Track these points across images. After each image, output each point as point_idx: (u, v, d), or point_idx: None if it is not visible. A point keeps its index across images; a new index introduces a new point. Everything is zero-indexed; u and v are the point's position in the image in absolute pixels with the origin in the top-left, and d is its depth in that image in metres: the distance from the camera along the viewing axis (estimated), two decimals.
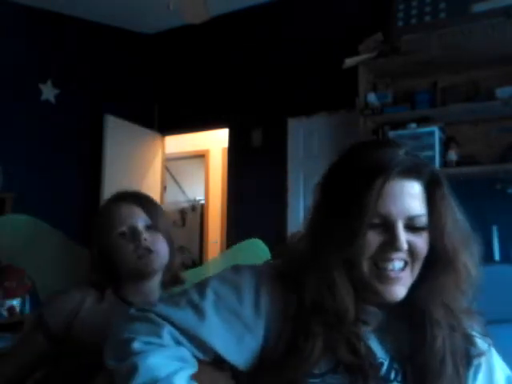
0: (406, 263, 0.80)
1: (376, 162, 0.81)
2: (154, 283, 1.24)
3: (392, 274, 0.79)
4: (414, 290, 0.82)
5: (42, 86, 3.78)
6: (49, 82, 3.82)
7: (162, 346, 0.77)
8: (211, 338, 0.78)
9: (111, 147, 4.03)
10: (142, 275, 1.21)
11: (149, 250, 1.19)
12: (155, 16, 4.06)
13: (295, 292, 0.82)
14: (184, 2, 2.73)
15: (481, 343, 0.86)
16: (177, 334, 0.79)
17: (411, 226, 0.80)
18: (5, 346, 3.12)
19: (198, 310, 0.80)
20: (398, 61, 3.03)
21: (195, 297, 0.82)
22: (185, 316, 0.79)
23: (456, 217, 0.83)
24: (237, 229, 3.98)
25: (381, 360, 0.81)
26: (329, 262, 0.80)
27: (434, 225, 0.81)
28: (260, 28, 4.05)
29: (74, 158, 3.97)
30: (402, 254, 0.79)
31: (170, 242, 1.26)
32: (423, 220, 0.80)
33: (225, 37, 4.21)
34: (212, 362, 0.82)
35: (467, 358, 0.84)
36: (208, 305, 0.80)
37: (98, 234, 1.25)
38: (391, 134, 2.93)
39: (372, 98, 3.07)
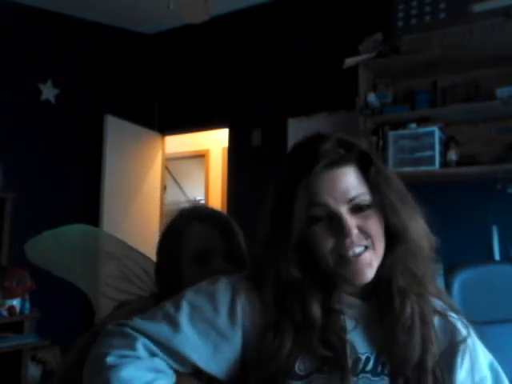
0: (366, 247, 0.81)
1: (300, 161, 0.83)
2: None
3: (355, 259, 0.80)
4: (380, 268, 0.83)
5: (41, 86, 3.78)
6: (49, 82, 3.82)
7: (136, 358, 0.77)
8: (187, 349, 0.79)
9: (111, 147, 4.03)
10: None
11: None
12: (155, 16, 4.06)
13: (271, 305, 0.82)
14: (184, 2, 2.73)
15: (462, 327, 0.86)
16: (152, 346, 0.78)
17: (356, 208, 0.81)
18: (5, 346, 3.13)
19: (173, 323, 0.80)
20: (398, 61, 3.02)
21: (170, 309, 0.82)
22: (160, 329, 0.79)
23: (398, 189, 0.84)
24: None
25: (367, 355, 0.82)
26: (286, 267, 0.82)
27: (379, 201, 0.82)
28: (260, 28, 4.05)
29: (74, 158, 3.97)
30: (358, 239, 0.80)
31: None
32: (365, 198, 0.81)
33: (225, 37, 4.21)
34: (192, 373, 0.82)
35: (452, 346, 0.84)
36: (183, 316, 0.80)
37: (168, 253, 1.14)
38: (391, 134, 2.93)
39: (372, 98, 3.07)
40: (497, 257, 2.84)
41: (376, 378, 0.81)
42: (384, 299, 0.83)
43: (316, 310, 0.81)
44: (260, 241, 0.88)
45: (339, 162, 0.82)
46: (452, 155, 2.86)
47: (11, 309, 3.18)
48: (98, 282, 1.33)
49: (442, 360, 0.83)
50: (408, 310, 0.81)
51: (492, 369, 0.88)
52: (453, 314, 0.87)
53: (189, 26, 3.73)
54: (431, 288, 0.87)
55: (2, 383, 3.22)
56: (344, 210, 0.80)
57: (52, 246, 1.39)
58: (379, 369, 0.81)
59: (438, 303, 0.88)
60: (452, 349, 0.84)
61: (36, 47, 3.78)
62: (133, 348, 0.77)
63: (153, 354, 0.79)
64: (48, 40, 3.87)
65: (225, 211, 4.28)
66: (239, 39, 4.15)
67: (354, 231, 0.79)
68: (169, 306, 0.83)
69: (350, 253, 0.80)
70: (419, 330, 0.81)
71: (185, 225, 1.14)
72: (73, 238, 1.39)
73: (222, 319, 0.81)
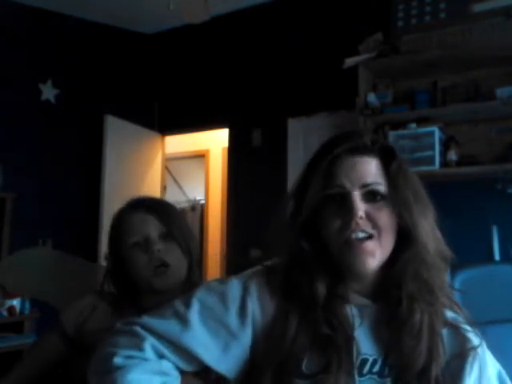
0: (370, 236, 0.81)
1: (327, 145, 0.86)
2: (175, 295, 1.19)
3: (358, 244, 0.80)
4: (390, 269, 0.83)
5: (41, 86, 3.78)
6: (49, 82, 3.82)
7: (143, 359, 0.77)
8: (196, 347, 0.79)
9: (111, 147, 4.03)
10: (158, 292, 1.14)
11: (164, 265, 1.12)
12: (155, 16, 4.06)
13: (281, 289, 0.84)
14: (184, 2, 2.73)
15: (473, 337, 0.85)
16: (160, 346, 0.78)
17: (369, 196, 0.82)
18: (5, 346, 3.13)
19: (183, 320, 0.80)
20: (398, 61, 3.02)
21: (181, 307, 0.82)
22: (170, 326, 0.80)
23: (415, 188, 0.85)
24: (237, 229, 3.98)
25: (374, 356, 0.81)
26: (296, 240, 0.84)
27: (395, 198, 0.82)
28: (260, 28, 4.05)
29: (74, 158, 3.97)
30: (364, 225, 0.80)
31: (189, 252, 1.18)
32: (380, 189, 0.82)
33: (225, 37, 4.21)
34: (195, 373, 0.82)
35: (461, 353, 0.84)
36: (193, 314, 0.81)
37: (111, 244, 1.20)
38: (391, 134, 2.93)
39: (372, 98, 3.07)
40: (497, 257, 2.84)
41: (382, 380, 0.81)
42: (392, 302, 0.83)
43: (322, 288, 0.82)
44: (276, 222, 0.89)
45: (363, 150, 0.84)
46: (452, 155, 2.86)
47: (11, 309, 3.19)
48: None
49: (450, 368, 0.82)
50: (417, 316, 0.81)
51: (500, 378, 0.87)
52: (466, 326, 0.86)
53: (189, 25, 3.73)
54: (443, 298, 0.85)
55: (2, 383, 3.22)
56: (356, 193, 0.81)
57: (20, 271, 1.46)
58: (386, 371, 0.81)
59: (450, 314, 0.87)
60: (461, 357, 0.84)
61: (36, 47, 3.78)
62: (140, 349, 0.77)
63: (160, 355, 0.79)
64: (48, 40, 3.87)
65: (224, 211, 4.28)
66: (239, 39, 4.15)
67: (361, 214, 0.80)
68: (179, 304, 0.83)
69: (353, 235, 0.80)
70: (426, 339, 0.80)
71: (121, 216, 1.19)
72: (33, 260, 1.46)
73: (232, 318, 0.82)
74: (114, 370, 0.74)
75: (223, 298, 0.83)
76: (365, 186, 0.81)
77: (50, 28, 3.88)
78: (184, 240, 1.18)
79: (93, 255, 3.73)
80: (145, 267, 1.13)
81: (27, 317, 3.27)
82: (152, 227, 1.15)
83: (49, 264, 1.47)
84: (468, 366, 0.83)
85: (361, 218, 0.80)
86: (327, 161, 0.83)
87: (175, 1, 2.63)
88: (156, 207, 1.19)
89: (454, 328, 0.86)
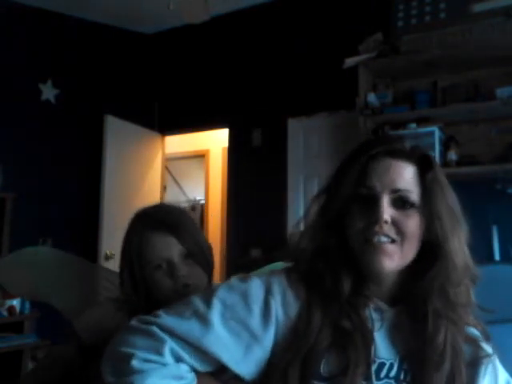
0: (393, 241, 0.80)
1: (365, 145, 0.85)
2: None
3: (377, 246, 0.79)
4: (416, 282, 0.82)
5: (41, 86, 3.78)
6: (49, 82, 3.82)
7: (161, 364, 0.75)
8: (217, 348, 0.77)
9: (111, 147, 4.03)
10: None
11: (187, 285, 1.12)
12: (155, 16, 4.06)
13: (305, 287, 0.83)
14: (184, 2, 2.73)
15: (486, 346, 0.86)
16: (179, 349, 0.76)
17: (398, 202, 0.81)
18: (5, 346, 3.13)
19: (204, 321, 0.78)
20: (398, 61, 3.03)
21: (201, 307, 0.80)
22: (190, 327, 0.77)
23: (449, 202, 0.83)
24: (237, 229, 3.98)
25: (391, 361, 0.81)
26: (325, 240, 0.84)
27: (426, 209, 0.81)
28: (260, 28, 4.04)
29: (74, 158, 3.97)
30: (388, 230, 0.79)
31: (208, 265, 1.19)
32: (411, 197, 0.81)
33: (225, 37, 4.21)
34: (210, 373, 0.81)
35: (475, 359, 0.84)
36: (214, 315, 0.78)
37: (130, 263, 1.17)
38: (391, 134, 2.93)
39: (372, 98, 3.07)
40: (497, 257, 2.84)
41: None
42: (417, 318, 0.82)
43: (346, 284, 0.81)
44: (306, 216, 0.89)
45: (400, 154, 0.83)
46: (452, 155, 2.86)
47: (11, 309, 3.18)
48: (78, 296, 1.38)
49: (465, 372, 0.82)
50: (442, 334, 0.80)
51: None
52: (484, 344, 0.86)
53: (189, 25, 3.72)
54: (467, 317, 0.85)
55: (2, 383, 3.22)
56: (386, 197, 0.80)
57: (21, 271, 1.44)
58: (402, 376, 0.81)
59: (471, 330, 0.87)
60: (475, 364, 0.84)
61: (36, 47, 3.77)
62: (159, 353, 0.75)
63: (178, 359, 0.77)
64: (48, 40, 3.86)
65: (224, 211, 4.29)
66: (239, 39, 4.15)
67: (386, 218, 0.79)
68: (198, 303, 0.80)
69: (376, 238, 0.79)
70: (450, 358, 0.80)
71: (140, 236, 1.15)
72: (32, 259, 1.44)
73: (255, 319, 0.80)
74: (131, 374, 0.73)
75: (245, 298, 0.81)
76: (395, 191, 0.80)
77: (50, 28, 3.88)
78: (204, 256, 1.18)
79: (93, 255, 3.73)
80: (169, 290, 1.12)
81: (27, 317, 3.27)
82: (174, 250, 1.13)
83: (49, 263, 1.46)
84: (482, 370, 0.84)
85: (386, 222, 0.79)
86: (362, 160, 0.82)
87: (175, 1, 2.63)
88: (176, 226, 1.16)
89: (472, 341, 0.86)
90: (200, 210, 6.05)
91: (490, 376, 0.85)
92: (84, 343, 1.16)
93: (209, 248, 1.22)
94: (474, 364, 0.84)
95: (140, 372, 0.73)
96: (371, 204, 0.80)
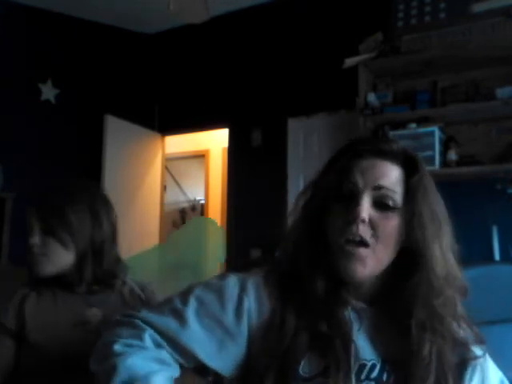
0: (366, 244, 0.78)
1: (352, 143, 0.85)
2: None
3: (352, 246, 0.78)
4: (397, 288, 0.81)
5: (41, 86, 3.78)
6: (49, 82, 3.82)
7: (142, 348, 0.78)
8: (193, 344, 0.80)
9: (111, 147, 4.03)
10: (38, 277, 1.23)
11: (38, 255, 1.20)
12: (155, 16, 4.06)
13: (280, 288, 0.84)
14: (184, 2, 2.73)
15: (476, 349, 0.84)
16: (158, 338, 0.80)
17: (380, 203, 0.79)
18: None
19: (180, 317, 0.81)
20: (398, 61, 3.03)
21: (178, 304, 0.83)
22: (167, 323, 0.80)
23: (432, 207, 0.81)
24: (237, 229, 3.98)
25: (372, 362, 0.80)
26: (306, 240, 0.84)
27: (409, 211, 0.79)
28: (260, 28, 4.05)
29: (74, 158, 3.97)
30: (363, 232, 0.78)
31: (68, 244, 1.22)
32: (394, 197, 0.80)
33: (225, 37, 4.21)
34: (195, 370, 0.84)
35: (463, 361, 0.83)
36: (190, 312, 0.81)
37: None
38: (391, 134, 2.93)
39: (372, 98, 3.07)
40: (497, 257, 2.84)
41: None
42: (399, 327, 0.80)
43: (321, 285, 0.81)
44: (291, 215, 0.90)
45: (386, 154, 0.82)
46: (452, 155, 2.86)
47: None
48: None
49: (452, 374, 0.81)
50: (427, 348, 0.78)
51: None
52: (474, 347, 0.84)
53: (189, 26, 3.73)
54: (455, 325, 0.82)
55: None
56: (367, 196, 0.79)
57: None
58: (384, 377, 0.80)
59: (462, 334, 0.83)
60: (462, 364, 0.83)
61: (36, 47, 3.77)
62: (140, 338, 0.79)
63: (159, 346, 0.80)
64: (48, 40, 3.87)
65: (225, 211, 4.28)
66: (239, 39, 4.15)
67: (364, 216, 0.78)
68: (177, 301, 0.84)
69: (351, 237, 0.78)
70: (435, 371, 0.78)
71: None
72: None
73: (229, 316, 0.82)
74: (113, 356, 0.76)
75: (220, 296, 0.83)
76: (378, 188, 0.79)
77: (49, 28, 3.88)
78: (65, 233, 1.22)
79: None
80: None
81: None
82: (36, 224, 1.22)
83: None
84: (468, 374, 0.83)
85: (363, 220, 0.78)
86: (348, 156, 0.82)
87: (175, 1, 2.63)
88: (41, 205, 1.24)
89: (461, 345, 0.83)
90: (200, 210, 6.06)
91: (477, 378, 0.84)
92: (12, 330, 1.19)
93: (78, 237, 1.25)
94: (461, 366, 0.83)
95: (122, 354, 0.76)
96: (351, 201, 0.80)
